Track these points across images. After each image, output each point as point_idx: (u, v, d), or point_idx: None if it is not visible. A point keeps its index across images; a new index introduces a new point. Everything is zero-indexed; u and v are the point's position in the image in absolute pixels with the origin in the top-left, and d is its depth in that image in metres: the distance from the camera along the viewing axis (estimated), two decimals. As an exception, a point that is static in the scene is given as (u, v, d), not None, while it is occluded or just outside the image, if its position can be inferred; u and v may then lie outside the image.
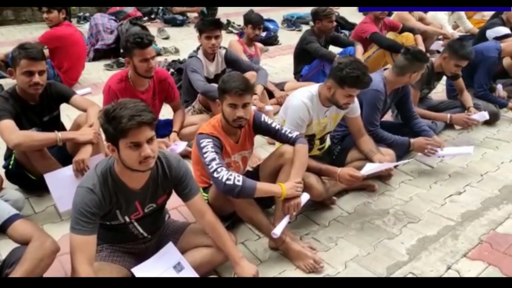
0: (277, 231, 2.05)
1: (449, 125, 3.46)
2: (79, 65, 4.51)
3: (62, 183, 2.30)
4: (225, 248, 1.90)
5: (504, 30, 4.32)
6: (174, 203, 2.26)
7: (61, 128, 2.68)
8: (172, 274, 1.82)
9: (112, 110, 1.59)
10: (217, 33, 3.33)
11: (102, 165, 1.72)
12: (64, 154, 2.53)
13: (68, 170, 2.34)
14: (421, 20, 5.34)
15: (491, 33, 4.35)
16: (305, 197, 2.16)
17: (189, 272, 1.83)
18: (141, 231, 1.89)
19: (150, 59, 2.73)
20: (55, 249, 1.62)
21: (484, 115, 3.36)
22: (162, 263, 1.86)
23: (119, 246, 1.90)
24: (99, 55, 5.20)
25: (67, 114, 3.08)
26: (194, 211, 1.94)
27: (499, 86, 3.95)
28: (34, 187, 2.59)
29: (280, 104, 3.72)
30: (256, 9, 6.95)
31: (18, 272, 1.51)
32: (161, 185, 1.84)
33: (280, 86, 4.16)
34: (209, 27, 3.30)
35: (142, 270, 1.82)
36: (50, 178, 2.32)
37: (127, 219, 1.81)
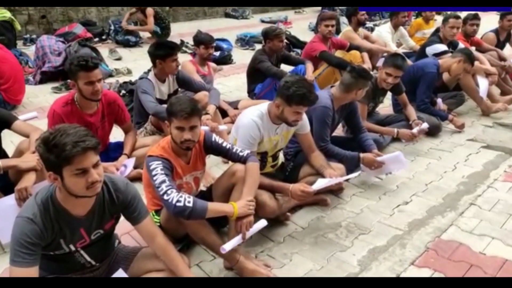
0: (227, 246, 2.03)
1: (396, 138, 3.62)
2: (16, 82, 4.33)
3: (5, 213, 2.18)
4: (178, 271, 1.86)
5: (441, 47, 4.61)
6: (125, 228, 2.20)
7: (3, 155, 2.56)
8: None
9: (52, 138, 1.53)
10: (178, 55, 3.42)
11: (43, 193, 1.65)
12: (6, 183, 2.41)
13: (11, 199, 2.24)
14: (366, 38, 5.60)
15: (430, 50, 4.63)
16: (262, 223, 2.17)
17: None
18: (89, 259, 1.83)
19: (96, 82, 2.67)
20: (-7, 284, 1.53)
21: (425, 125, 3.55)
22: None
23: (64, 277, 1.82)
24: (46, 77, 5.03)
25: (11, 140, 2.94)
26: (144, 235, 1.89)
27: (439, 100, 4.19)
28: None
29: (234, 122, 3.75)
30: (211, 29, 7.07)
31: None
32: (108, 210, 1.79)
33: (234, 104, 4.20)
34: (174, 50, 3.36)
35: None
36: (-9, 208, 2.20)
37: (72, 247, 1.74)
